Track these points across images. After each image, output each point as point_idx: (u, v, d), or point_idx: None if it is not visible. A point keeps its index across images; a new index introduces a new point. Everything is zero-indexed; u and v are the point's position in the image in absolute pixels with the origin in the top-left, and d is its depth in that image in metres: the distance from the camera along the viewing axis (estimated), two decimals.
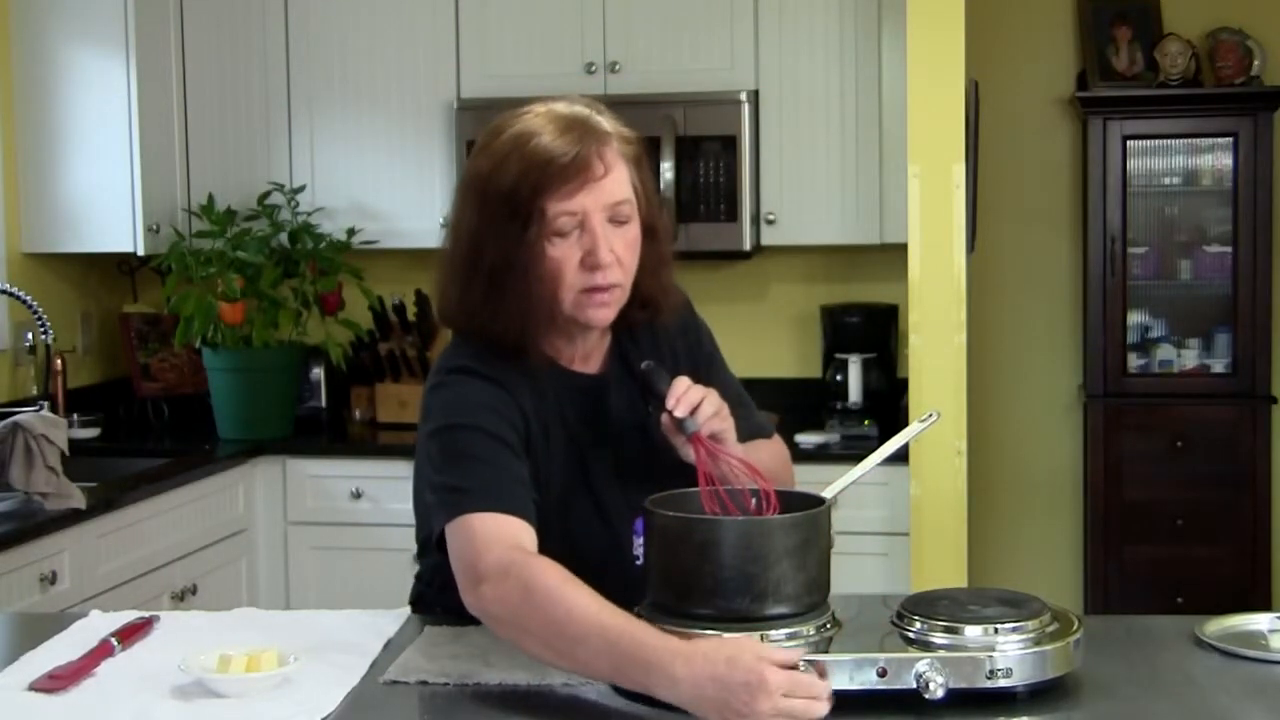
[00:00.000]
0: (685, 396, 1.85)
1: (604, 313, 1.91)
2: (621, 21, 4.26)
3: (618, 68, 4.23)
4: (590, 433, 1.98)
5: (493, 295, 1.88)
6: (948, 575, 3.64)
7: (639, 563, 1.88)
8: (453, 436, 1.88)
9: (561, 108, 1.92)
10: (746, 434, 2.01)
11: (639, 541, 1.88)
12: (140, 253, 4.27)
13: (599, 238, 1.86)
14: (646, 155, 1.95)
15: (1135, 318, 4.66)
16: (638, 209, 1.91)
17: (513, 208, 1.85)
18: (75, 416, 4.08)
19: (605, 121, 1.91)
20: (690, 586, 1.68)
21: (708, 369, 2.08)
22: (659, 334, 2.07)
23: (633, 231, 1.91)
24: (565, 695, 1.70)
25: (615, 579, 1.80)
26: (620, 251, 1.89)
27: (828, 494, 1.80)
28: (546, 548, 1.80)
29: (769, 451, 2.10)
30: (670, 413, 1.85)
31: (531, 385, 1.93)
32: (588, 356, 2.01)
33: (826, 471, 2.11)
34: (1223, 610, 1.94)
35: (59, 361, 3.71)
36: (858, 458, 1.90)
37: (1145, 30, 4.63)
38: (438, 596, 2.07)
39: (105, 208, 4.21)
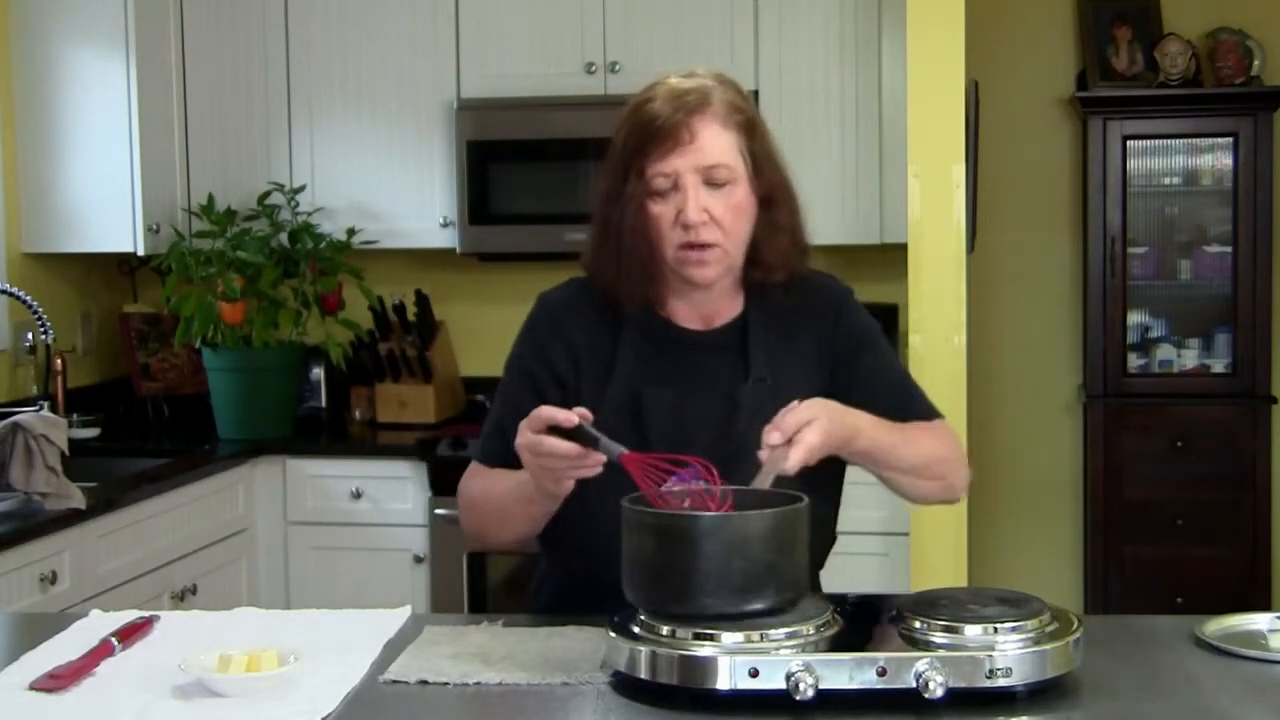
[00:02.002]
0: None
1: (703, 271, 2.01)
2: (621, 21, 4.26)
3: (618, 68, 4.23)
4: (660, 379, 2.05)
5: (602, 243, 2.06)
6: (948, 575, 3.64)
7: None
8: (499, 394, 2.15)
9: (681, 80, 2.05)
10: (896, 416, 2.04)
11: (670, 481, 1.91)
12: (140, 253, 4.27)
13: (689, 197, 1.98)
14: (763, 126, 2.07)
15: (1135, 318, 4.67)
16: (747, 176, 2.01)
17: (620, 165, 2.03)
18: (75, 416, 4.08)
19: (718, 92, 2.03)
20: (669, 584, 1.68)
21: (854, 354, 2.11)
22: (793, 312, 2.11)
23: (736, 196, 2.01)
24: (565, 695, 1.70)
25: None
26: (718, 213, 1.99)
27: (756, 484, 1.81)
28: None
29: (923, 433, 2.07)
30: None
31: (610, 325, 2.08)
32: (707, 315, 2.10)
33: None
34: (1223, 610, 1.94)
35: (59, 361, 3.70)
36: None
37: (1145, 30, 4.63)
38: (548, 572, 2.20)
39: (105, 208, 4.21)
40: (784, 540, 1.69)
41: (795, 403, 1.86)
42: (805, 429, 1.83)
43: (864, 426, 1.95)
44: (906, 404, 2.10)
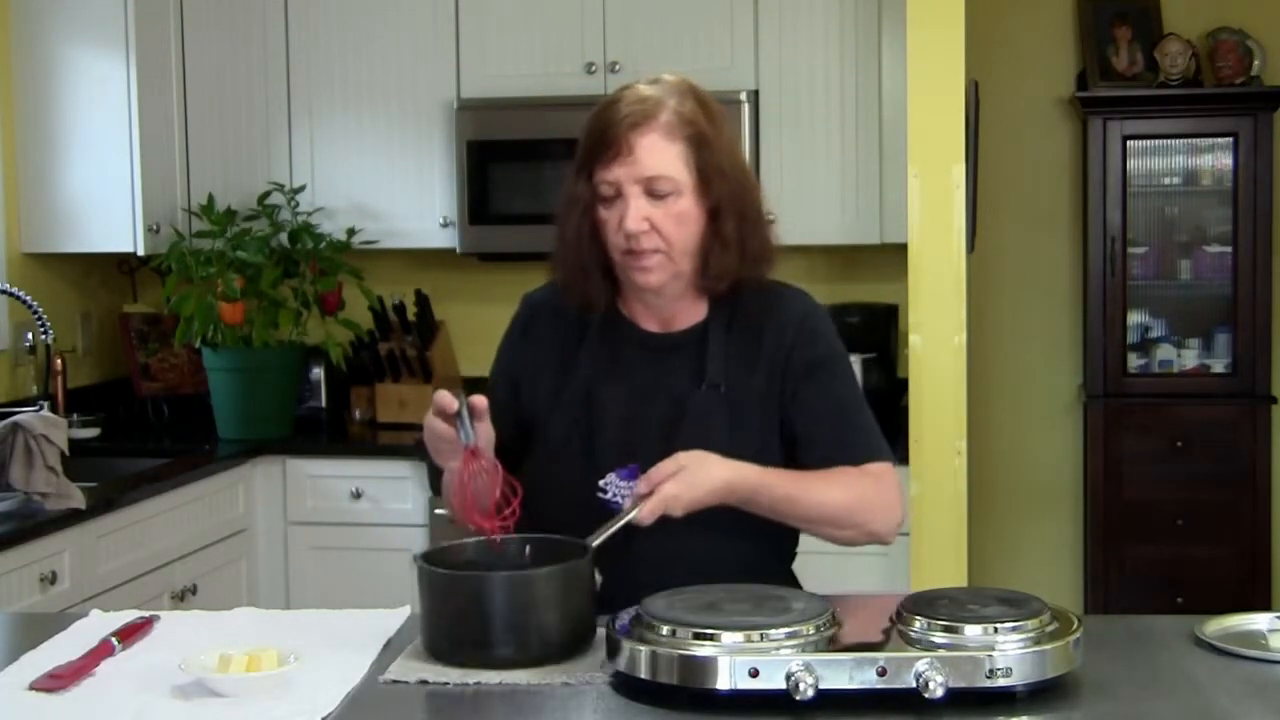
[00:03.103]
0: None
1: (645, 277, 2.06)
2: (621, 21, 4.26)
3: (618, 68, 4.23)
4: (616, 379, 2.10)
5: (558, 243, 2.13)
6: (948, 575, 3.64)
7: (602, 496, 2.03)
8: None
9: (643, 88, 2.07)
10: (827, 454, 2.06)
11: (612, 477, 2.01)
12: (140, 253, 4.27)
13: (628, 206, 2.02)
14: (719, 138, 2.06)
15: (1135, 318, 4.67)
16: (693, 187, 2.03)
17: (576, 168, 2.08)
18: (75, 416, 4.08)
19: (672, 103, 2.04)
20: (460, 635, 1.77)
21: (803, 380, 2.10)
22: (758, 323, 2.12)
23: (679, 206, 2.03)
24: (565, 695, 1.70)
25: (580, 506, 1.98)
26: (659, 221, 2.02)
27: (592, 541, 1.87)
28: (533, 466, 2.08)
29: (838, 480, 2.06)
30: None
31: (578, 324, 2.14)
32: (665, 319, 2.14)
33: None
34: (1223, 610, 1.94)
35: (59, 361, 3.70)
36: None
37: (1145, 30, 4.63)
38: None
39: (105, 208, 4.21)
40: (567, 591, 1.78)
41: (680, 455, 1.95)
42: (666, 481, 1.91)
43: (747, 478, 1.98)
44: (843, 440, 2.09)
